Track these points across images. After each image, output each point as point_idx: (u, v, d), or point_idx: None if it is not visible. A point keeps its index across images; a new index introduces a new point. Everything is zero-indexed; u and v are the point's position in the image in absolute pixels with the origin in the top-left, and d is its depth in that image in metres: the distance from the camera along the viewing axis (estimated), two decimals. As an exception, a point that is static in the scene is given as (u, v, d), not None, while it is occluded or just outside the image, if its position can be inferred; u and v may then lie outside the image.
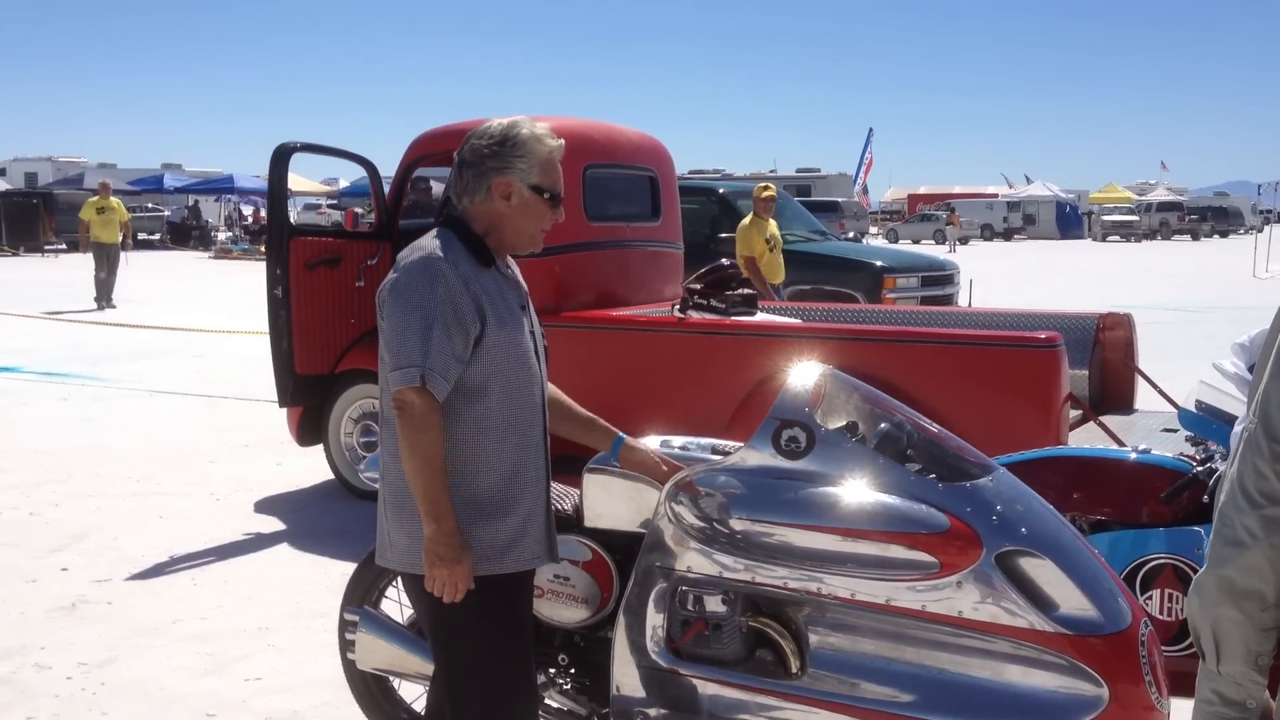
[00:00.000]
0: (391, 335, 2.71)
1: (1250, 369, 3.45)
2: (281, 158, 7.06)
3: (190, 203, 46.71)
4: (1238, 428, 1.92)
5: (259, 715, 4.23)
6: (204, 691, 4.41)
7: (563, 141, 2.92)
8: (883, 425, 3.34)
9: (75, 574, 5.75)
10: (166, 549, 6.15)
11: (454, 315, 2.70)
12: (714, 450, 3.51)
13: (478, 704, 2.86)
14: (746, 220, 10.98)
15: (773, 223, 11.02)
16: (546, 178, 2.85)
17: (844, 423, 3.36)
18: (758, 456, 3.25)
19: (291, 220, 7.48)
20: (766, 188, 11.17)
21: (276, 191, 7.13)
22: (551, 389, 3.21)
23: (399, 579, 3.91)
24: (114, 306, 19.29)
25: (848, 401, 3.43)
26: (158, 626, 5.06)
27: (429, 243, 2.80)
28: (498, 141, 2.82)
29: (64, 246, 38.92)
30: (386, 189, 7.80)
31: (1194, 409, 4.13)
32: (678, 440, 3.58)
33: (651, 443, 3.49)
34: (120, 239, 19.85)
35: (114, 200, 20.43)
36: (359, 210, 34.90)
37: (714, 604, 3.27)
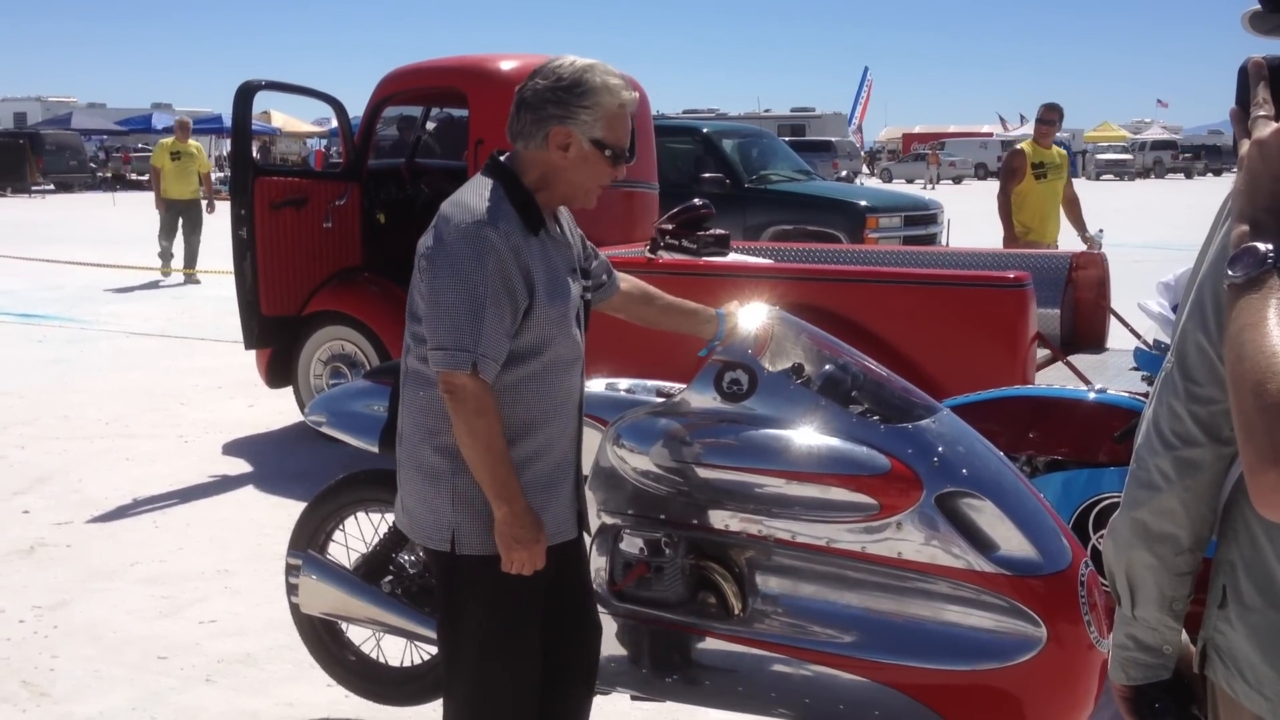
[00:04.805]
0: (435, 310, 2.50)
1: (1174, 309, 3.41)
2: (245, 95, 6.96)
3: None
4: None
5: (211, 658, 4.21)
6: (157, 634, 4.39)
7: (637, 95, 2.66)
8: (827, 367, 3.31)
9: (36, 516, 5.72)
10: (130, 491, 6.12)
11: (504, 291, 2.48)
12: (658, 393, 3.48)
13: (471, 679, 2.72)
14: None
15: None
16: (611, 133, 2.58)
17: (790, 365, 3.32)
18: (700, 399, 3.22)
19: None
20: None
21: (240, 129, 7.02)
22: (641, 285, 3.12)
23: (345, 523, 3.92)
24: (197, 281, 15.04)
25: (794, 343, 3.38)
26: (115, 569, 5.04)
27: (476, 201, 2.53)
28: (565, 87, 2.53)
29: (51, 187, 38.84)
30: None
31: (1150, 347, 4.10)
32: (623, 382, 3.54)
33: (596, 385, 3.46)
34: (199, 194, 15.15)
35: (193, 144, 15.45)
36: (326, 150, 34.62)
37: (656, 546, 3.26)
